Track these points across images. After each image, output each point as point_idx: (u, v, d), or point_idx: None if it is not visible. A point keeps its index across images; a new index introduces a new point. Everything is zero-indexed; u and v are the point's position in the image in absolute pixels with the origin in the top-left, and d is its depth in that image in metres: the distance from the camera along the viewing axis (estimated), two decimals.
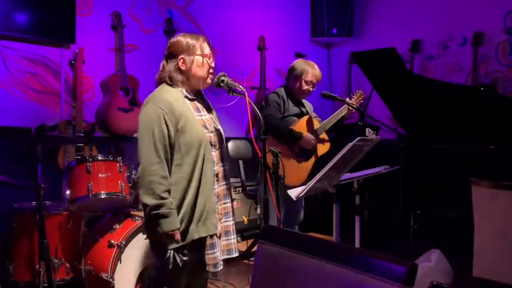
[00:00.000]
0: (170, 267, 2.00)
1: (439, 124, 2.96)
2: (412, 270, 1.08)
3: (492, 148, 2.62)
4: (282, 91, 3.42)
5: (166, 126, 1.99)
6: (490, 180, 2.33)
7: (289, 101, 3.39)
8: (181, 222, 2.01)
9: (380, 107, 3.38)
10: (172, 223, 1.97)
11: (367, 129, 2.47)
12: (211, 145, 2.10)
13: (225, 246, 2.16)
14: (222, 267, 2.09)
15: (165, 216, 1.96)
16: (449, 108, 2.82)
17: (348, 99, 3.41)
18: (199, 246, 2.05)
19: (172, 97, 2.07)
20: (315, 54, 5.66)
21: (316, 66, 3.42)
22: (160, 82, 2.15)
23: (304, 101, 3.53)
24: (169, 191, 1.99)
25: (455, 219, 3.01)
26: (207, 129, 2.10)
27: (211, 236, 2.06)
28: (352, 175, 2.70)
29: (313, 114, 3.54)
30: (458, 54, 4.81)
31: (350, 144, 2.30)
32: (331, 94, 3.31)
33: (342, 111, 3.39)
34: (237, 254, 2.18)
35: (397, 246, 3.39)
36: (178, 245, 2.00)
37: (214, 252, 2.07)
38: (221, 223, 2.15)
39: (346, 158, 2.36)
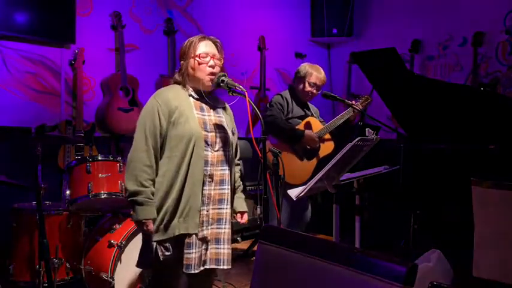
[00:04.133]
0: (152, 256, 2.04)
1: (439, 124, 2.96)
2: (412, 270, 1.08)
3: (492, 148, 2.62)
4: (286, 93, 3.45)
5: (159, 117, 2.05)
6: (490, 180, 2.33)
7: (294, 103, 3.41)
8: (165, 215, 2.03)
9: (380, 107, 3.38)
10: (147, 212, 2.00)
11: (367, 129, 2.47)
12: (208, 144, 2.09)
13: (214, 254, 2.11)
14: (197, 271, 2.05)
15: (141, 203, 2.00)
16: (450, 108, 2.82)
17: (353, 101, 3.41)
18: (181, 243, 2.05)
19: (174, 93, 2.12)
20: (315, 54, 5.66)
21: (321, 70, 3.44)
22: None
23: (310, 105, 3.54)
24: (153, 181, 2.04)
25: (455, 220, 3.01)
26: (206, 128, 2.10)
27: (190, 235, 2.04)
28: (352, 175, 2.70)
29: (320, 119, 3.55)
30: (458, 54, 4.81)
31: (350, 144, 2.30)
32: (332, 94, 3.32)
33: (347, 113, 3.39)
34: (227, 267, 2.11)
35: (397, 246, 3.39)
36: (163, 238, 2.03)
37: (190, 253, 2.04)
38: (212, 228, 2.12)
39: (346, 158, 2.36)
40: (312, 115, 3.51)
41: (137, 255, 2.71)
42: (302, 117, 3.43)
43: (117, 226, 2.95)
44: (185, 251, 2.04)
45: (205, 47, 2.14)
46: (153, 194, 2.03)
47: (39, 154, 2.56)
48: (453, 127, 2.90)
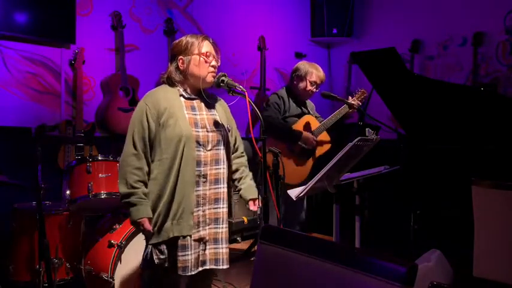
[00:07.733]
0: (148, 259, 2.06)
1: (439, 124, 2.96)
2: (412, 270, 1.08)
3: (492, 148, 2.62)
4: (282, 92, 3.43)
5: (147, 119, 2.05)
6: (490, 180, 2.33)
7: (291, 102, 3.41)
8: (158, 218, 2.04)
9: (380, 107, 3.38)
10: (140, 211, 2.01)
11: (367, 129, 2.47)
12: (200, 144, 2.08)
13: (212, 254, 2.12)
14: (195, 272, 2.05)
15: (134, 204, 2.01)
16: (449, 108, 2.82)
17: (349, 97, 3.42)
18: (174, 245, 2.05)
19: (164, 94, 2.11)
20: (315, 54, 5.66)
21: (320, 68, 3.45)
22: (162, 83, 2.20)
23: (307, 101, 3.54)
24: (143, 182, 2.04)
25: (455, 219, 3.01)
26: (197, 128, 2.09)
27: (184, 237, 2.04)
28: (352, 175, 2.70)
29: (316, 114, 3.55)
30: (458, 54, 4.80)
31: (350, 144, 2.30)
32: (331, 94, 3.33)
33: (342, 110, 3.40)
34: (225, 266, 2.13)
35: (397, 246, 3.39)
36: (157, 241, 2.04)
37: (184, 255, 2.03)
38: (209, 229, 2.12)
39: (346, 158, 2.36)
40: (309, 112, 3.50)
41: (137, 255, 2.72)
42: (299, 116, 3.42)
43: (117, 226, 2.95)
44: (179, 254, 2.03)
45: (208, 47, 2.15)
46: (145, 194, 2.04)
47: (39, 154, 2.56)
48: (453, 127, 2.90)
